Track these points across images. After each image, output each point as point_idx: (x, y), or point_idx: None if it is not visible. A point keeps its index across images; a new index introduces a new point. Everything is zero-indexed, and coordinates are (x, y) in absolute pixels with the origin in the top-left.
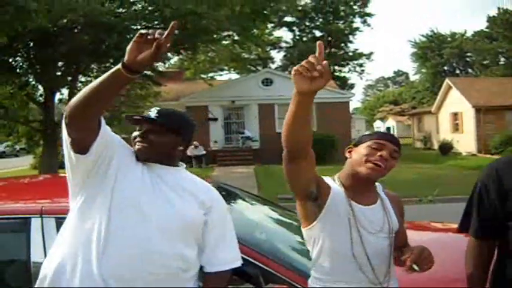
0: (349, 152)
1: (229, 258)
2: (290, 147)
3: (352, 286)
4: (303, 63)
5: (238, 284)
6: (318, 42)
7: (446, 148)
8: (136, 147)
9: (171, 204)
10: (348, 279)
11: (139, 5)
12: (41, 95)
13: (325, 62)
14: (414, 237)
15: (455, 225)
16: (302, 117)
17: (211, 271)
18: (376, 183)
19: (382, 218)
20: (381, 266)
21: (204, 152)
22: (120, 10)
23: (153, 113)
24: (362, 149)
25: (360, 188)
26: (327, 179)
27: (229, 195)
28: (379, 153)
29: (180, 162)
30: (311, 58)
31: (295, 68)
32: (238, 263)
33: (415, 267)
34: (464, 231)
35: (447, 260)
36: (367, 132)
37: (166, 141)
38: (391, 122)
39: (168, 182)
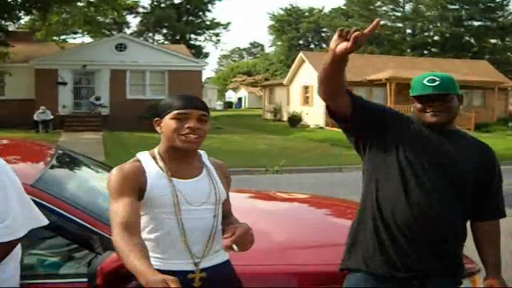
0: (158, 124)
1: None
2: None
3: (174, 261)
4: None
5: (79, 251)
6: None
7: (295, 120)
8: None
9: None
10: (172, 256)
11: None
12: None
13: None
14: (261, 207)
15: (300, 195)
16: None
17: None
18: (201, 152)
19: (207, 189)
20: (205, 239)
21: (52, 117)
22: None
23: None
24: (169, 122)
25: (182, 160)
26: (143, 155)
27: (73, 162)
28: (186, 125)
29: None
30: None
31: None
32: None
33: (235, 247)
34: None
35: (292, 228)
36: (168, 100)
37: None
38: (243, 93)
39: None
